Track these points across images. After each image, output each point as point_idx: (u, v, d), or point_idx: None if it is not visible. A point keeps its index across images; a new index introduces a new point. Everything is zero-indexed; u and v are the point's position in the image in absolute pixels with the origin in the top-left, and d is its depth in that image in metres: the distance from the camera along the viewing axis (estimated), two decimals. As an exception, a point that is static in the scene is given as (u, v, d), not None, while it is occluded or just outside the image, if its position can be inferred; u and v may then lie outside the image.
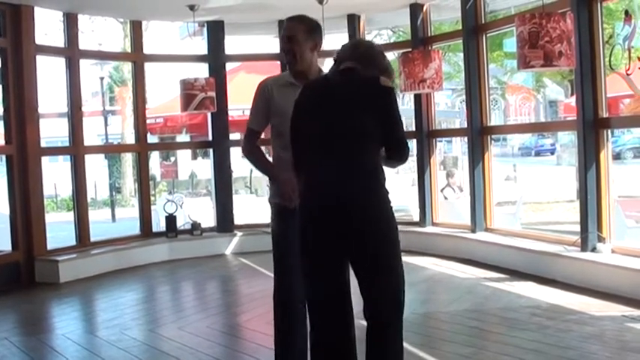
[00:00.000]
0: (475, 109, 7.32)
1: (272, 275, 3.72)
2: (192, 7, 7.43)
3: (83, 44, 8.07)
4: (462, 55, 8.04)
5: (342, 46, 3.31)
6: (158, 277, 7.45)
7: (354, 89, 3.10)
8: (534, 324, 4.83)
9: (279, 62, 8.44)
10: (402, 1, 7.83)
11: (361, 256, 3.04)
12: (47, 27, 10.65)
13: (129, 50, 9.82)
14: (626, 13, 5.93)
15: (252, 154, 3.72)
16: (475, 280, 6.36)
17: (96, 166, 16.77)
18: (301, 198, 3.16)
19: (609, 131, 6.06)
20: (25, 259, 7.09)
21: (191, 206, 10.31)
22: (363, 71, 3.15)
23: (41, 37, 7.97)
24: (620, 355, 4.15)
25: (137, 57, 8.47)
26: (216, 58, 8.61)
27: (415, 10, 7.88)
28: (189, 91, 7.55)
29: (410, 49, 7.51)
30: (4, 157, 7.74)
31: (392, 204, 3.08)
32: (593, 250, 5.89)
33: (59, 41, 7.90)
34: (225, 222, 8.65)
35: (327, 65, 3.44)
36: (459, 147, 20.43)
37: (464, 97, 8.96)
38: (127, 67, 18.78)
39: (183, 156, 22.25)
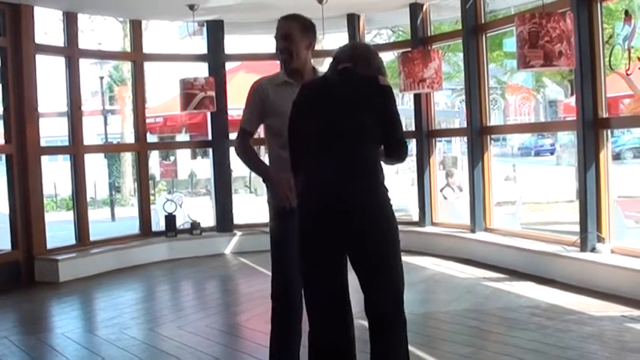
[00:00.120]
0: (475, 109, 7.32)
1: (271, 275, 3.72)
2: (191, 7, 7.43)
3: (83, 43, 8.07)
4: (461, 54, 8.04)
5: (341, 47, 3.32)
6: (157, 277, 7.45)
7: (353, 89, 3.11)
8: (534, 324, 4.82)
9: (278, 62, 8.41)
10: (401, 0, 7.82)
11: (361, 255, 3.03)
12: (47, 26, 10.67)
13: (128, 50, 9.81)
14: (626, 13, 5.92)
15: (246, 154, 3.71)
16: (474, 280, 6.36)
17: (95, 166, 16.80)
18: (300, 198, 3.15)
19: (609, 131, 6.06)
20: (24, 259, 7.09)
21: (190, 206, 10.32)
22: (361, 71, 3.16)
23: (41, 37, 7.98)
24: (620, 356, 4.14)
25: (137, 56, 8.47)
26: (215, 57, 8.61)
27: (415, 9, 7.87)
28: (188, 91, 7.54)
29: (409, 49, 7.50)
30: (3, 157, 7.75)
31: (392, 202, 3.07)
32: (593, 250, 5.89)
33: (59, 40, 7.89)
34: (224, 221, 8.65)
35: (325, 65, 3.44)
36: (458, 147, 20.43)
37: (463, 96, 8.96)
38: (126, 67, 18.82)
39: (183, 155, 22.27)
